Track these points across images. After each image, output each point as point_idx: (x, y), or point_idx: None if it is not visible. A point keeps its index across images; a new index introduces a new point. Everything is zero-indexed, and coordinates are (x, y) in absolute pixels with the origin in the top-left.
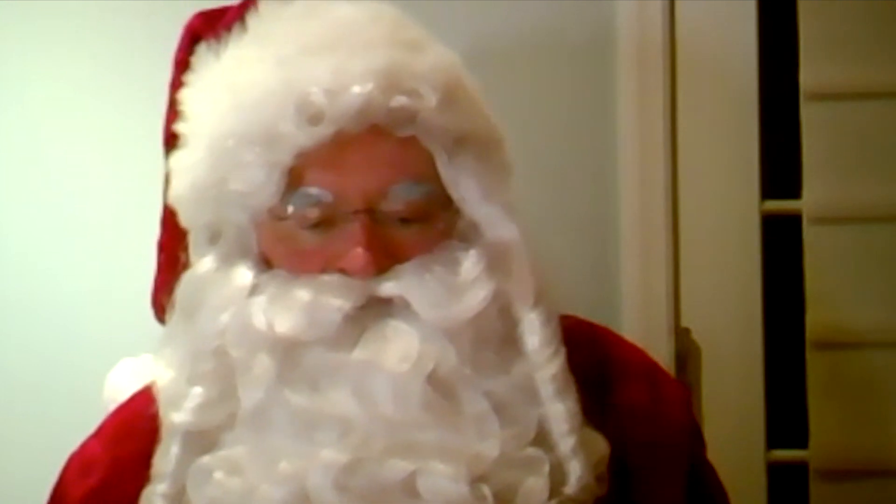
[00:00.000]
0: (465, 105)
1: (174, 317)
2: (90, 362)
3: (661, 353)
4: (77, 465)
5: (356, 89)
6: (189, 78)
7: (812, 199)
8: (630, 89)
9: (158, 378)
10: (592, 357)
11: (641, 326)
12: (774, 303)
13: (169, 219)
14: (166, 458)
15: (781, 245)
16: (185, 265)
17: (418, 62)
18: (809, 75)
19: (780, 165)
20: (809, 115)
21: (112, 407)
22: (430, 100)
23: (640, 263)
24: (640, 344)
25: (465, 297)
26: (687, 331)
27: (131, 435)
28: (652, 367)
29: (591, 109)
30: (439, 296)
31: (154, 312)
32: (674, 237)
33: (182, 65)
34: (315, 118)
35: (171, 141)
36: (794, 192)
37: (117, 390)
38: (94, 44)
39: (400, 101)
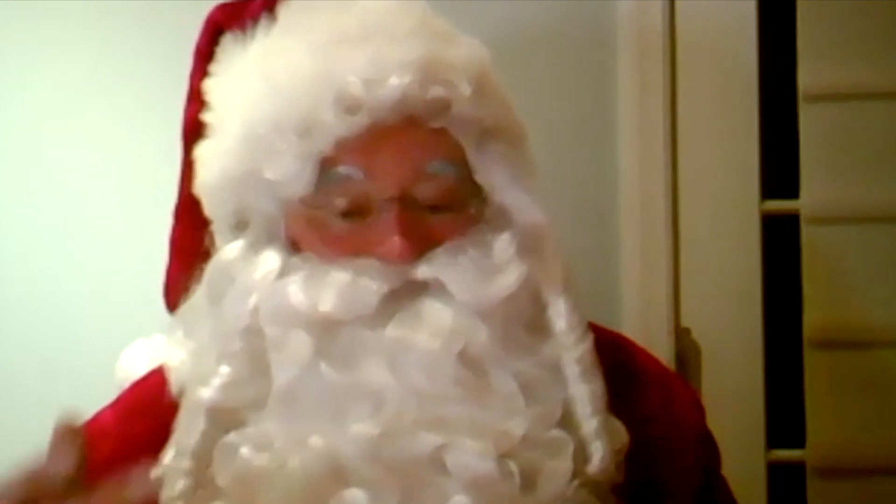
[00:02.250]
0: (494, 98)
1: (199, 300)
2: (91, 361)
3: (662, 353)
4: (88, 435)
5: (394, 80)
6: (215, 68)
7: (810, 199)
8: (630, 89)
9: (172, 359)
10: (610, 363)
11: (641, 326)
12: (773, 302)
13: (184, 211)
14: (191, 433)
15: (780, 245)
16: (206, 255)
17: (452, 53)
18: (808, 76)
19: (780, 165)
20: (808, 116)
21: (126, 385)
22: (465, 90)
23: (640, 263)
24: (639, 344)
25: (498, 278)
26: (687, 331)
27: (146, 412)
28: (668, 375)
29: (591, 109)
30: (473, 277)
31: (166, 304)
32: (674, 237)
33: (204, 55)
34: (353, 108)
35: (192, 133)
36: (794, 191)
37: (130, 370)
38: (94, 44)
39: (437, 91)
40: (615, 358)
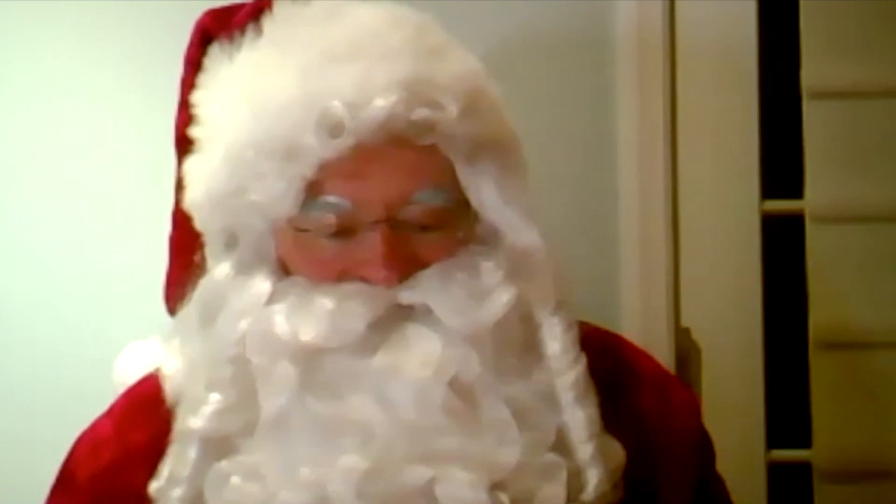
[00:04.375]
0: (486, 112)
1: (190, 318)
2: (93, 356)
3: (661, 353)
4: (87, 444)
5: (379, 102)
6: (202, 79)
7: (814, 198)
8: (630, 88)
9: (167, 366)
10: (604, 364)
11: (641, 326)
12: (776, 303)
13: (181, 218)
14: (183, 461)
15: (784, 245)
16: (201, 266)
17: (441, 72)
18: (811, 74)
19: (782, 165)
20: (811, 114)
21: (122, 389)
22: (451, 111)
23: (640, 263)
24: (640, 344)
25: (487, 302)
26: (687, 331)
27: (143, 419)
28: (664, 375)
29: (591, 109)
30: (461, 302)
31: (166, 305)
32: (674, 237)
33: (193, 64)
34: (336, 130)
35: (183, 143)
36: (796, 191)
37: (127, 373)
38: (94, 43)
39: (421, 113)
40: (609, 359)
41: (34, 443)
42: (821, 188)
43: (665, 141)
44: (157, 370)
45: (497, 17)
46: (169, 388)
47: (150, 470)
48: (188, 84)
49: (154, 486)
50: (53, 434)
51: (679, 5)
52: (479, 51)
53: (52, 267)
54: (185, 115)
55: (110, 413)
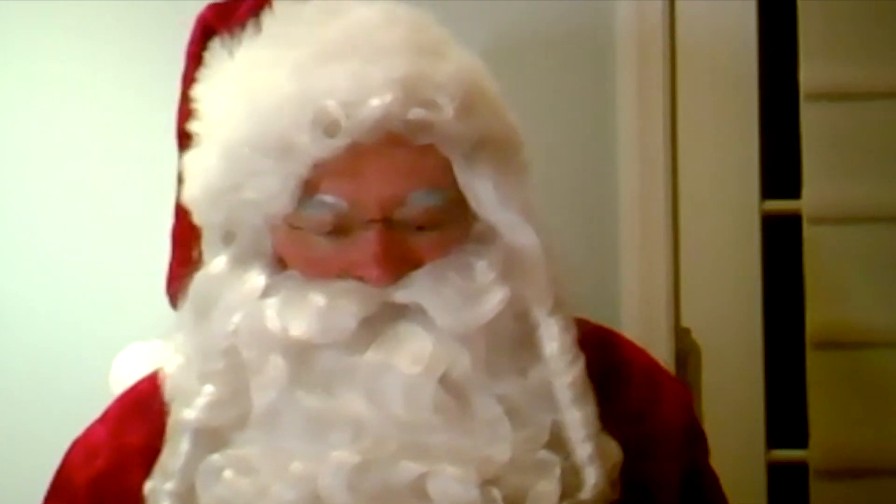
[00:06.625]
0: (485, 111)
1: (186, 313)
2: (93, 356)
3: (661, 353)
4: (81, 449)
5: (374, 101)
6: (202, 74)
7: (812, 198)
8: (630, 89)
9: (167, 365)
10: (598, 359)
11: (641, 326)
12: (774, 302)
13: (182, 212)
14: (175, 454)
15: (782, 245)
16: (199, 260)
17: (438, 70)
18: (809, 75)
19: (780, 165)
20: (810, 115)
21: (119, 391)
22: (448, 111)
23: (640, 263)
24: (640, 344)
25: (479, 302)
26: (687, 331)
27: (137, 421)
28: (654, 368)
29: (591, 109)
30: (454, 302)
31: (168, 299)
32: (674, 237)
33: (195, 58)
34: (331, 129)
35: (184, 137)
36: (794, 191)
37: (125, 374)
38: (94, 43)
39: (417, 113)
40: (601, 354)
41: (34, 443)
42: (818, 189)
43: (665, 141)
44: (153, 373)
45: (497, 16)
46: (168, 387)
47: (147, 472)
48: (189, 78)
49: (148, 486)
50: (53, 434)
51: (679, 6)
52: (478, 50)
53: (52, 267)
54: (185, 110)
55: (103, 418)
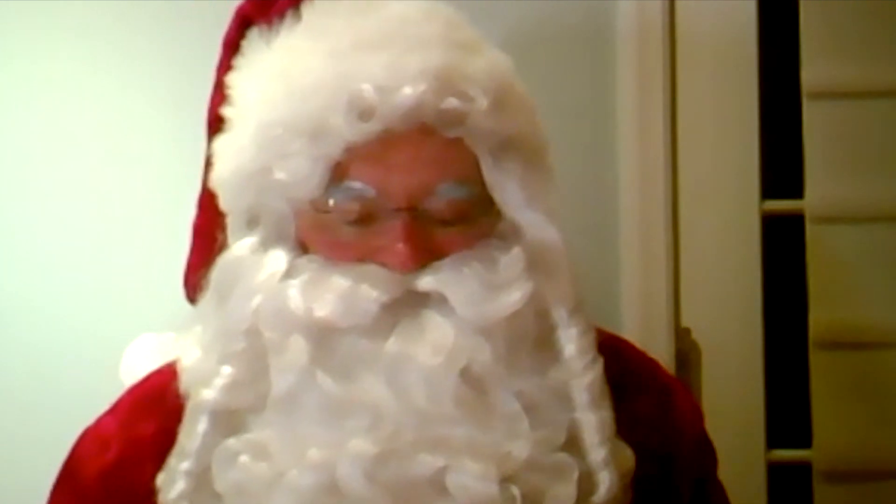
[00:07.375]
0: (514, 110)
1: (207, 297)
2: (93, 356)
3: (661, 353)
4: (92, 441)
5: (408, 89)
6: (239, 62)
7: (814, 198)
8: (630, 88)
9: (185, 356)
10: (611, 367)
11: (641, 326)
12: (776, 302)
13: (207, 201)
14: (192, 435)
15: (784, 244)
16: (222, 247)
17: (472, 64)
18: (811, 73)
19: (782, 165)
20: (812, 114)
21: (129, 382)
22: (481, 103)
23: (640, 263)
24: (640, 344)
25: (502, 295)
26: (687, 331)
27: (149, 413)
28: (668, 380)
29: (591, 108)
30: (476, 292)
31: (185, 293)
32: (674, 237)
33: (231, 47)
34: (365, 114)
35: (215, 123)
36: (796, 191)
37: (135, 366)
38: (94, 43)
39: (451, 103)
40: (615, 362)
41: (35, 443)
42: (820, 188)
43: (665, 140)
44: (165, 366)
45: (496, 15)
46: (184, 378)
47: (158, 464)
48: (224, 67)
49: (160, 477)
50: (53, 434)
51: (679, 4)
52: None
53: (52, 267)
54: (218, 97)
55: (114, 410)
